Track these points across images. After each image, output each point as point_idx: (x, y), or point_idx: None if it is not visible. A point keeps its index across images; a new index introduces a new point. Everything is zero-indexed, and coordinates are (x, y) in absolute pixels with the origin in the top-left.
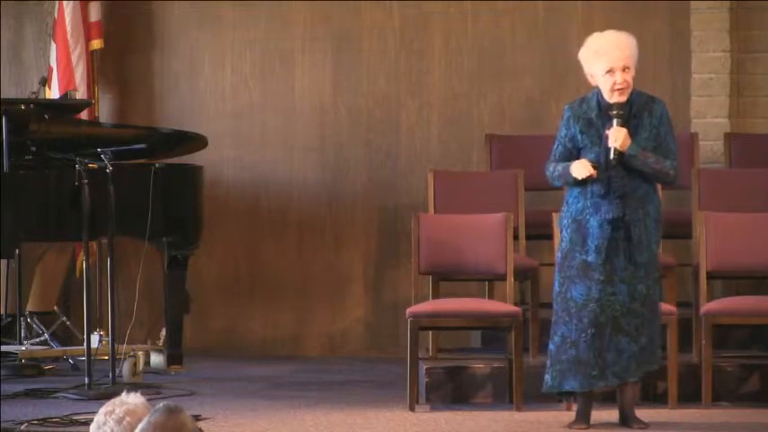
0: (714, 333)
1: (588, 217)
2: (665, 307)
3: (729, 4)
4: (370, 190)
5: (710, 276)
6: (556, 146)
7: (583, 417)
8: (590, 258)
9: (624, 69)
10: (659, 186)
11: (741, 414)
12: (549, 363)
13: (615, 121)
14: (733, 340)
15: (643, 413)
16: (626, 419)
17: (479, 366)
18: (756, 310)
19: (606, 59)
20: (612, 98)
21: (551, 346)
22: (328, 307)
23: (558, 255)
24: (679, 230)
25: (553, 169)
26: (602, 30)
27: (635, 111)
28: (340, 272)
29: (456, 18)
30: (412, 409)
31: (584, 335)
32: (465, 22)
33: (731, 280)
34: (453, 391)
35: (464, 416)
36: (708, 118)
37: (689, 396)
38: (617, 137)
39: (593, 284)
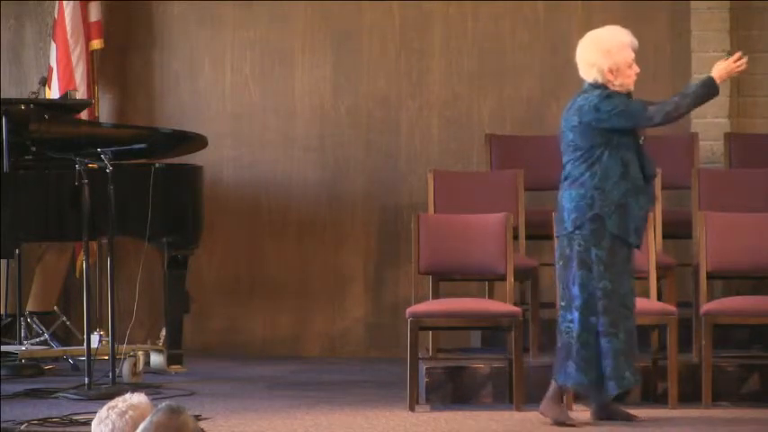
0: (714, 333)
1: (629, 200)
2: (666, 307)
3: (729, 4)
4: (370, 190)
5: (710, 276)
6: (639, 101)
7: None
8: (632, 241)
9: None
10: None
11: (741, 414)
12: (619, 362)
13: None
14: (733, 340)
15: (643, 413)
16: (607, 412)
17: (479, 366)
18: (756, 310)
19: (630, 50)
20: (630, 87)
21: (618, 345)
22: (328, 307)
23: (596, 253)
24: (679, 230)
25: (673, 104)
26: None
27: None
28: (340, 272)
29: (456, 18)
30: (412, 409)
31: (624, 326)
32: (465, 22)
33: (731, 280)
34: (453, 391)
35: (464, 416)
36: (708, 118)
37: (689, 396)
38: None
39: (632, 274)
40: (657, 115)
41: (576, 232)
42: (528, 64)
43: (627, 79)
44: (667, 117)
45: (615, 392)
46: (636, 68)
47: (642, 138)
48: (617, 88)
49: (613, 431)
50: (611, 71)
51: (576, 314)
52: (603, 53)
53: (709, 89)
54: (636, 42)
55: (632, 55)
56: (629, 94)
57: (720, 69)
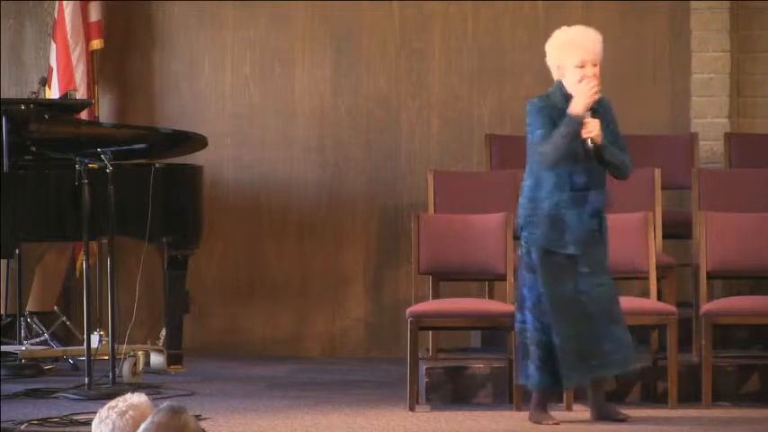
0: (714, 333)
1: (564, 211)
2: (665, 307)
3: (729, 4)
4: (370, 190)
5: (710, 276)
6: (542, 133)
7: (546, 408)
8: (570, 251)
9: (594, 64)
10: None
11: (741, 414)
12: (559, 361)
13: (587, 114)
14: (733, 340)
15: (643, 413)
16: (603, 412)
17: (479, 366)
18: (756, 310)
19: (580, 52)
20: (590, 93)
21: (557, 345)
22: (328, 307)
23: (534, 256)
24: (679, 230)
25: (550, 143)
26: (601, 30)
27: (594, 106)
28: (340, 272)
29: (456, 18)
30: (412, 409)
31: (580, 328)
32: (465, 22)
33: (731, 280)
34: (453, 391)
35: (464, 416)
36: (708, 118)
37: (689, 396)
38: (592, 128)
39: (580, 277)
40: (542, 155)
41: (521, 235)
42: (528, 64)
43: (571, 79)
44: (545, 161)
45: (565, 387)
46: (589, 71)
47: (591, 145)
48: (570, 90)
49: (613, 430)
50: (558, 68)
51: (528, 315)
52: (554, 49)
53: (569, 125)
54: (596, 47)
55: (578, 59)
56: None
57: (576, 101)
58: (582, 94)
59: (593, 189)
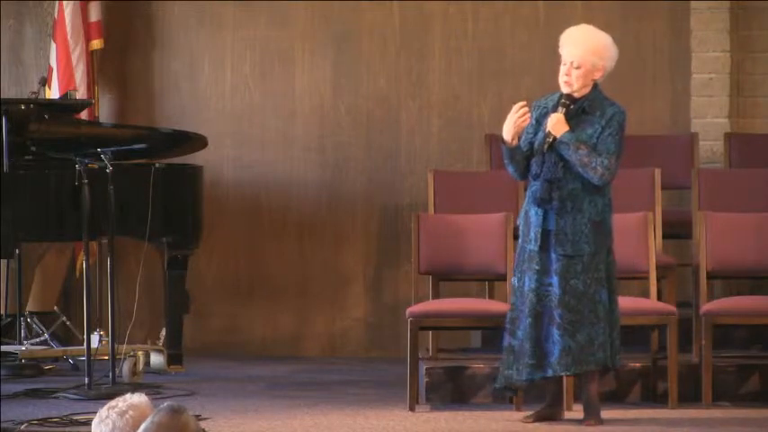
0: (714, 333)
1: (529, 206)
2: (665, 307)
3: (729, 4)
4: (370, 190)
5: (710, 276)
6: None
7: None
8: (530, 247)
9: (577, 67)
10: (608, 190)
11: (741, 414)
12: (504, 359)
13: (559, 109)
14: (733, 340)
15: (643, 413)
16: (585, 413)
17: (479, 366)
18: (756, 310)
19: (563, 51)
20: (563, 88)
21: (507, 342)
22: (328, 307)
23: None
24: (679, 230)
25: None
26: (601, 30)
27: (587, 107)
28: (340, 272)
29: (456, 18)
30: (412, 409)
31: (522, 325)
32: (465, 22)
33: (731, 280)
34: (453, 391)
35: (464, 416)
36: (708, 118)
37: (689, 396)
38: (551, 121)
39: (532, 274)
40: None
41: None
42: (528, 64)
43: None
44: (508, 170)
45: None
46: (564, 71)
47: (550, 138)
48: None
49: (612, 431)
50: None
51: None
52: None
53: (503, 146)
54: (576, 48)
55: (562, 58)
56: (568, 96)
57: (505, 126)
58: (508, 120)
59: (542, 180)
